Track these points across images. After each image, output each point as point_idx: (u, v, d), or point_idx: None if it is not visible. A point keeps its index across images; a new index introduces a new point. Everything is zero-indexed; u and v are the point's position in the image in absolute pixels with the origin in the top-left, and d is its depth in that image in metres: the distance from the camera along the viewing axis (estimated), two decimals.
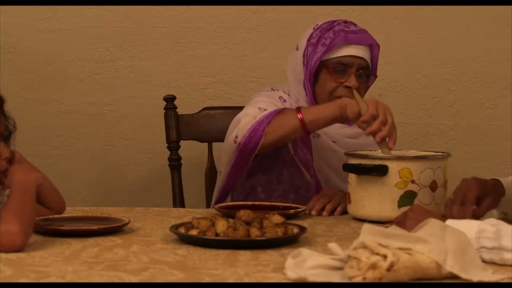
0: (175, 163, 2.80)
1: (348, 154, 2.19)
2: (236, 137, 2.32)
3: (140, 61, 3.21)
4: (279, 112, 2.30)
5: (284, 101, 2.48)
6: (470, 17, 3.19)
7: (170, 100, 2.80)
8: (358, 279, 1.40)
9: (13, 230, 1.66)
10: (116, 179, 3.24)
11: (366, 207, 2.11)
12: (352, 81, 2.40)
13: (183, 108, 2.90)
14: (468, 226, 1.59)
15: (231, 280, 1.45)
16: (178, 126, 2.79)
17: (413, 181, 2.07)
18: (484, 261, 1.54)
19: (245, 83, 3.20)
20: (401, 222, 1.74)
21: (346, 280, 1.42)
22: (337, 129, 2.45)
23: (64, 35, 3.19)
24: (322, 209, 2.24)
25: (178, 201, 2.78)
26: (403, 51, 3.19)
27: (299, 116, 2.26)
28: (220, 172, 2.49)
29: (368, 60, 2.44)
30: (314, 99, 2.45)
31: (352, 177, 2.14)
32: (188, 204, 2.79)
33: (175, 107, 2.80)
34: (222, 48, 3.21)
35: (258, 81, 3.19)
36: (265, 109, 2.36)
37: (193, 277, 1.47)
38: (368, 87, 2.48)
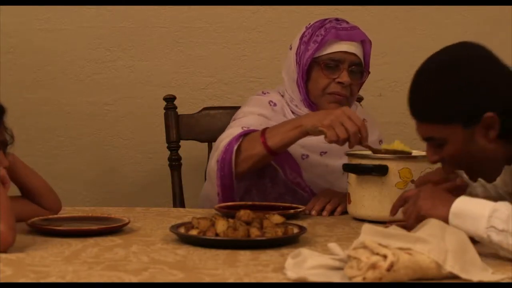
0: (175, 163, 2.80)
1: (348, 154, 2.19)
2: (217, 160, 2.32)
3: (140, 61, 3.21)
4: (245, 135, 2.30)
5: (275, 105, 2.47)
6: (470, 17, 3.19)
7: (170, 100, 2.80)
8: (358, 279, 1.40)
9: (3, 229, 1.64)
10: (116, 179, 3.24)
11: (366, 207, 2.11)
12: (344, 77, 2.39)
13: (183, 108, 2.89)
14: (480, 204, 1.59)
15: (231, 280, 1.45)
16: (178, 126, 2.79)
17: (413, 181, 2.07)
18: (492, 241, 1.55)
19: (245, 83, 3.20)
20: (413, 197, 1.76)
21: (346, 280, 1.42)
22: (323, 139, 2.25)
23: (64, 35, 3.19)
24: (322, 209, 2.24)
25: (178, 201, 2.77)
26: (403, 51, 3.19)
27: (261, 140, 2.25)
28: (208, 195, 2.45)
29: (361, 56, 2.43)
30: (308, 97, 2.45)
31: (352, 177, 2.14)
32: (188, 204, 2.79)
33: (175, 107, 2.80)
34: (222, 48, 3.21)
35: (258, 81, 3.19)
36: (248, 128, 2.36)
37: (193, 277, 1.47)
38: (361, 84, 2.48)
